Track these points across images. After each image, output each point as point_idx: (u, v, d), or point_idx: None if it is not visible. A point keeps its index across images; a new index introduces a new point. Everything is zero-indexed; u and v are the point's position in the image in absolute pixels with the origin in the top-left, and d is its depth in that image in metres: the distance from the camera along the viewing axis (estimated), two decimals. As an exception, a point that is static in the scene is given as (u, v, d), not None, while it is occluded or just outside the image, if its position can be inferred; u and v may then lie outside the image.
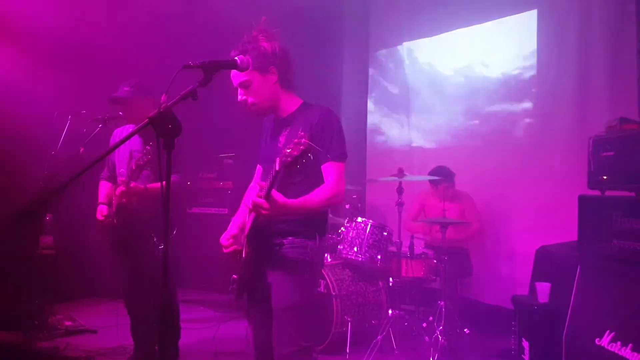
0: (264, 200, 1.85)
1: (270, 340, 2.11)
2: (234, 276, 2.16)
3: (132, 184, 2.95)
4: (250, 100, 2.13)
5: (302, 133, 1.75)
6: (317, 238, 2.12)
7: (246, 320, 2.38)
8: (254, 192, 2.31)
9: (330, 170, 2.05)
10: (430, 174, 4.47)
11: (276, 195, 1.86)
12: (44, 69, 4.34)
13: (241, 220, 2.27)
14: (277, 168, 1.77)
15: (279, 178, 1.81)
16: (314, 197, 2.00)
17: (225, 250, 2.20)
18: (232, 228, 2.25)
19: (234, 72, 2.07)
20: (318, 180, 2.05)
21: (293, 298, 2.05)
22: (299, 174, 1.97)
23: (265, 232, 2.07)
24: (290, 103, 2.20)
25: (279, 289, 2.08)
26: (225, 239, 2.21)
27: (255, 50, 2.06)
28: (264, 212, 1.86)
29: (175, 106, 1.62)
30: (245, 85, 2.11)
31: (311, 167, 1.96)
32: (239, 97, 2.14)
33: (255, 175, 2.43)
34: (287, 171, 1.77)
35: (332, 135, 2.07)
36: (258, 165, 2.42)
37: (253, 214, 2.01)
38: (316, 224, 2.14)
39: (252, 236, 2.09)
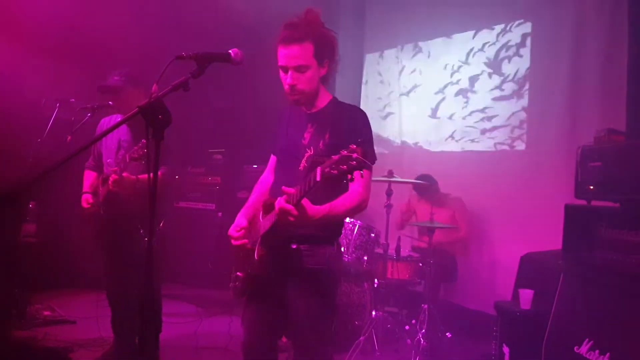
0: (293, 208, 1.73)
1: (261, 340, 2.05)
2: (239, 273, 2.07)
3: (125, 174, 2.92)
4: (300, 86, 1.98)
5: (354, 147, 1.58)
6: (335, 244, 2.05)
7: (228, 316, 2.33)
8: (266, 184, 2.25)
9: (357, 176, 1.95)
10: (415, 180, 4.51)
11: (307, 204, 1.75)
12: (33, 56, 4.28)
13: (251, 213, 2.15)
14: (317, 179, 1.61)
15: (315, 189, 1.66)
16: (341, 205, 1.89)
17: (234, 242, 2.07)
18: (241, 220, 2.12)
19: (293, 52, 1.94)
20: (344, 185, 1.86)
21: (314, 308, 1.98)
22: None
23: (282, 235, 1.96)
24: (321, 97, 2.09)
25: (299, 299, 1.99)
26: (235, 231, 2.08)
27: (321, 38, 1.96)
28: (291, 219, 1.75)
29: (166, 97, 1.60)
30: (300, 70, 1.96)
31: None
32: (289, 79, 1.98)
33: (268, 166, 2.30)
34: (327, 183, 1.61)
35: (364, 139, 1.91)
36: (272, 155, 2.29)
37: (272, 214, 1.89)
38: (335, 230, 2.07)
39: (268, 237, 1.97)
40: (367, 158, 1.76)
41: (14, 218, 4.07)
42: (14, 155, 3.81)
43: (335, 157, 1.58)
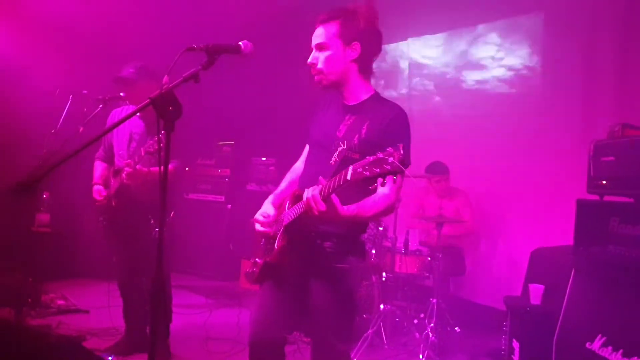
0: (322, 202, 1.68)
1: (269, 329, 1.99)
2: (258, 260, 2.04)
3: (138, 167, 2.95)
4: (319, 65, 1.94)
5: (391, 150, 1.53)
6: (360, 242, 2.01)
7: (237, 307, 2.31)
8: (298, 173, 2.18)
9: (388, 179, 1.89)
10: (426, 169, 4.49)
11: (336, 200, 1.70)
12: (46, 48, 4.32)
13: (279, 201, 2.11)
14: (348, 178, 1.56)
15: (346, 186, 1.62)
16: (369, 208, 1.83)
17: (257, 229, 2.04)
18: (269, 207, 2.08)
19: (318, 31, 1.94)
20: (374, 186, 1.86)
21: (334, 306, 1.94)
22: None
23: (306, 229, 1.92)
24: (361, 90, 2.00)
25: (319, 296, 1.95)
26: (261, 216, 2.05)
27: (348, 19, 1.92)
28: (317, 213, 1.70)
29: (177, 88, 1.60)
30: (321, 47, 1.94)
31: None
32: (311, 58, 1.96)
33: (302, 155, 2.24)
34: (357, 184, 1.56)
35: (402, 141, 1.80)
36: (307, 145, 2.21)
37: (299, 205, 1.84)
38: (360, 228, 2.03)
39: (291, 229, 1.93)
40: (404, 163, 1.72)
41: (28, 208, 4.12)
42: (29, 146, 3.86)
43: (370, 158, 1.54)
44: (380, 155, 1.53)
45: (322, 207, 1.68)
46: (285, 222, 1.95)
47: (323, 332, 1.99)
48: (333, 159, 1.91)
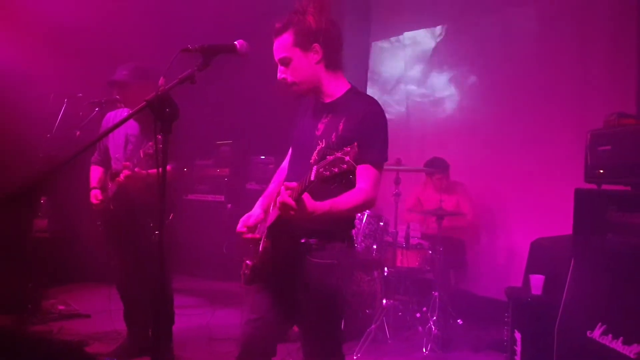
0: (293, 202, 1.69)
1: (260, 328, 2.00)
2: (248, 262, 2.05)
3: (137, 170, 2.94)
4: (289, 79, 1.95)
5: (349, 149, 1.57)
6: (347, 238, 1.99)
7: (239, 307, 2.31)
8: (284, 173, 2.19)
9: (365, 174, 1.86)
10: (426, 164, 4.49)
11: (307, 199, 1.71)
12: (41, 51, 4.29)
13: (267, 202, 2.13)
14: (312, 179, 1.61)
15: (312, 187, 1.65)
16: (344, 202, 1.82)
17: (245, 236, 2.04)
18: (257, 210, 2.08)
19: (275, 46, 1.94)
20: (350, 181, 1.84)
21: (323, 303, 1.95)
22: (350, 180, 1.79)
23: (291, 229, 1.91)
24: (335, 86, 2.00)
25: (308, 293, 1.95)
26: (242, 223, 2.05)
27: (299, 25, 1.90)
28: (291, 213, 1.71)
29: (173, 90, 1.60)
30: (284, 62, 1.93)
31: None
32: (279, 74, 1.96)
33: (288, 156, 2.25)
34: (324, 183, 1.61)
35: (376, 137, 1.88)
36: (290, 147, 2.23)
37: (276, 208, 1.86)
38: (345, 224, 2.01)
39: (275, 230, 1.94)
40: (371, 153, 1.79)
41: (26, 213, 4.11)
42: (25, 151, 3.84)
43: (329, 158, 1.59)
44: (338, 154, 1.57)
45: (294, 206, 1.70)
46: (267, 224, 1.97)
47: (312, 328, 2.00)
48: (312, 157, 1.92)
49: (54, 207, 4.27)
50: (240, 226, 2.05)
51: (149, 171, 3.00)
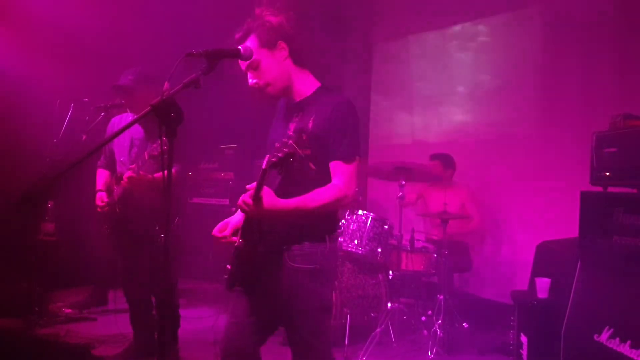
0: (249, 200, 1.69)
1: (241, 335, 1.97)
2: (228, 266, 2.03)
3: (142, 173, 2.95)
4: (261, 82, 1.94)
5: (291, 133, 1.62)
6: (327, 240, 1.92)
7: None
8: None
9: (337, 169, 1.86)
10: (433, 156, 4.50)
11: (265, 195, 1.70)
12: (46, 56, 4.33)
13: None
14: (264, 166, 1.63)
15: (267, 177, 1.67)
16: (313, 199, 1.79)
17: (222, 241, 2.04)
18: (239, 217, 2.06)
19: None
20: (314, 178, 1.84)
21: (307, 307, 1.90)
22: (312, 170, 1.78)
23: (267, 233, 1.88)
24: (305, 85, 1.99)
25: (291, 299, 1.90)
26: (217, 229, 2.07)
27: (260, 27, 1.90)
28: (247, 209, 1.71)
29: (178, 94, 1.61)
30: (253, 67, 1.92)
31: (326, 165, 1.84)
32: (249, 81, 1.96)
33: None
34: (275, 171, 1.65)
35: (345, 131, 1.86)
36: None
37: None
38: (325, 224, 1.94)
39: (246, 232, 1.91)
40: (341, 148, 1.82)
41: (33, 217, 4.14)
42: (32, 156, 3.87)
43: (277, 145, 1.64)
44: (283, 139, 1.63)
45: (249, 202, 1.71)
46: (239, 226, 1.96)
47: (297, 334, 1.95)
48: None
49: (60, 211, 4.30)
50: (215, 230, 2.05)
51: (155, 175, 3.01)
